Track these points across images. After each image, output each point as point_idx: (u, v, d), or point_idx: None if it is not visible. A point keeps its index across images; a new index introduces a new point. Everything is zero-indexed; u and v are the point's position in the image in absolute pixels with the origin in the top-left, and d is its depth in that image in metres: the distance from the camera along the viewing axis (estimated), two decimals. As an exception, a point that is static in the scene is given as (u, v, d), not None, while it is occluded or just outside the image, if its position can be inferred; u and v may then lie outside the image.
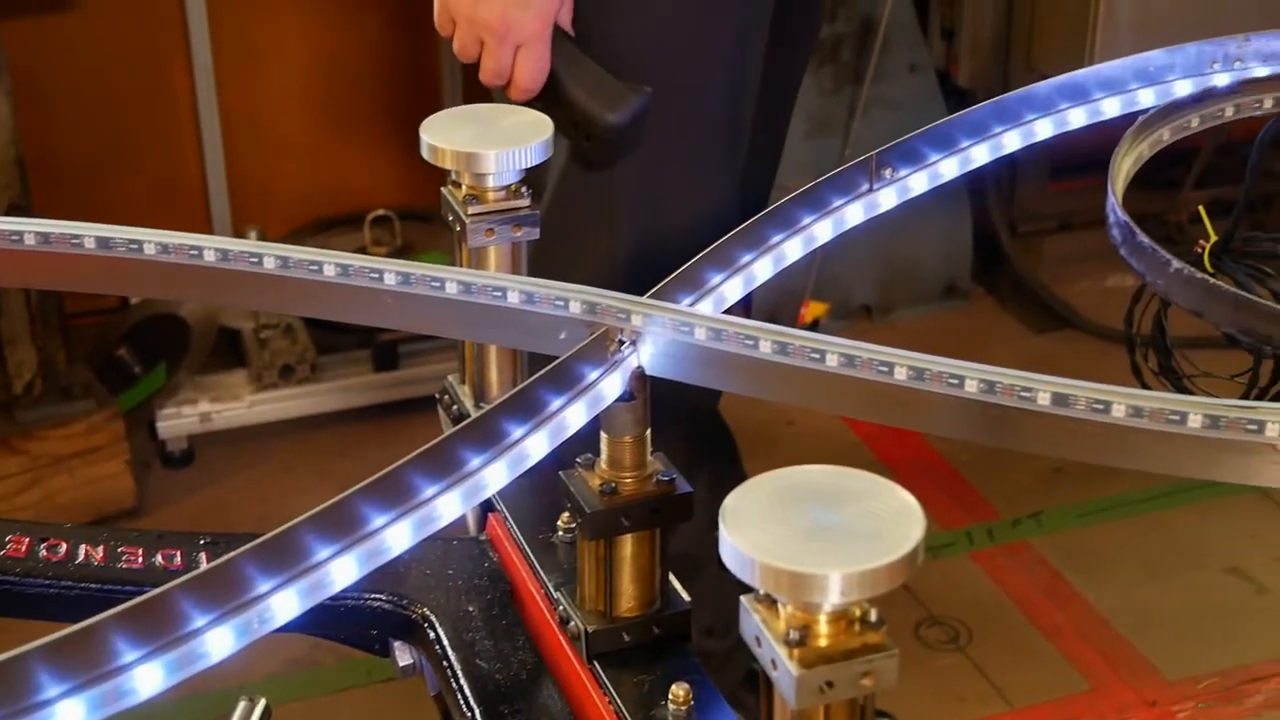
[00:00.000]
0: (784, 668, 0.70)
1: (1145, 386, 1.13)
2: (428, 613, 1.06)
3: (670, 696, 0.92)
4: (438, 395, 1.23)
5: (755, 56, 1.76)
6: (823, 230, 1.11)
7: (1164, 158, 1.20)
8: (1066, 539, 2.66)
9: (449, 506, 0.87)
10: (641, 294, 0.97)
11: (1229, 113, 1.19)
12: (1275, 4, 2.71)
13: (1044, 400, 0.85)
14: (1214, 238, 1.16)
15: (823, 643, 0.70)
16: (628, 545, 0.96)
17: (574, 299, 0.96)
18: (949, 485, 2.77)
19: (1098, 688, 2.35)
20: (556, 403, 0.91)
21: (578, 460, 0.97)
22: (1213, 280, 1.03)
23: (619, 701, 0.94)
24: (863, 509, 0.71)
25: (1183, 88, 1.20)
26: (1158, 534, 2.65)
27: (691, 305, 1.00)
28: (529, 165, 1.12)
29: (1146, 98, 1.20)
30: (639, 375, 0.94)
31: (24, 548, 1.07)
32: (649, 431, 0.96)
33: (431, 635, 1.05)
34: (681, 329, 0.93)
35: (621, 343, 0.94)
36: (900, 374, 0.88)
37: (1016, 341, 3.19)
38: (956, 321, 3.26)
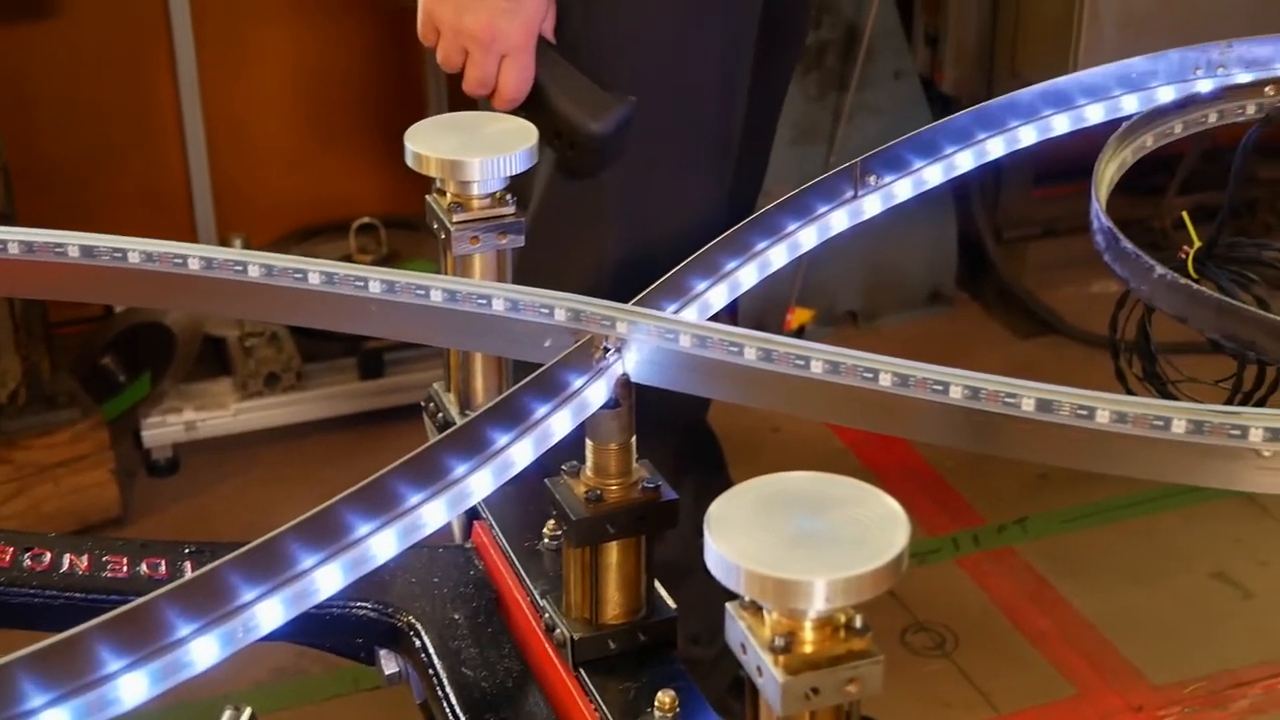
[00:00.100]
0: (769, 674, 0.70)
1: (1129, 392, 1.13)
2: (413, 621, 1.05)
3: (656, 704, 0.92)
4: (423, 403, 1.23)
5: (743, 64, 1.76)
6: (808, 237, 1.11)
7: (1148, 164, 1.20)
8: (1052, 544, 2.67)
9: (434, 514, 0.87)
10: (628, 301, 0.97)
11: (1212, 119, 1.20)
12: (1258, 10, 2.72)
13: (1028, 406, 0.86)
14: (1198, 243, 1.16)
15: (808, 649, 0.70)
16: (613, 552, 0.96)
17: (559, 306, 0.96)
18: (934, 491, 2.77)
19: (1083, 693, 2.35)
20: (542, 410, 0.92)
21: (563, 467, 0.97)
22: (1196, 286, 1.03)
23: (605, 709, 0.93)
24: (848, 515, 0.71)
25: (1166, 94, 1.21)
26: (1142, 539, 2.66)
27: (676, 312, 1.00)
28: (514, 173, 1.12)
29: (1130, 104, 1.21)
30: (624, 382, 0.94)
31: (8, 557, 1.07)
32: (634, 438, 0.96)
33: (417, 643, 1.04)
34: (666, 336, 0.94)
35: (606, 350, 0.94)
36: (885, 380, 0.89)
37: (1001, 347, 3.19)
38: (941, 328, 3.26)
